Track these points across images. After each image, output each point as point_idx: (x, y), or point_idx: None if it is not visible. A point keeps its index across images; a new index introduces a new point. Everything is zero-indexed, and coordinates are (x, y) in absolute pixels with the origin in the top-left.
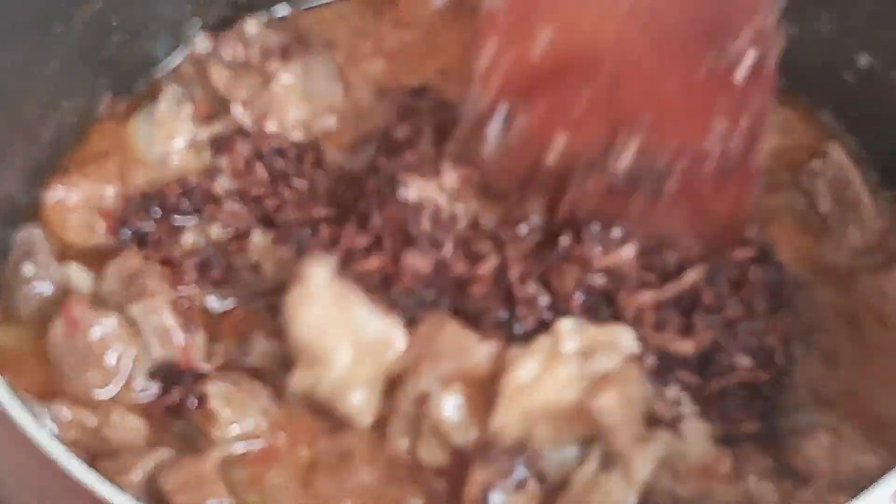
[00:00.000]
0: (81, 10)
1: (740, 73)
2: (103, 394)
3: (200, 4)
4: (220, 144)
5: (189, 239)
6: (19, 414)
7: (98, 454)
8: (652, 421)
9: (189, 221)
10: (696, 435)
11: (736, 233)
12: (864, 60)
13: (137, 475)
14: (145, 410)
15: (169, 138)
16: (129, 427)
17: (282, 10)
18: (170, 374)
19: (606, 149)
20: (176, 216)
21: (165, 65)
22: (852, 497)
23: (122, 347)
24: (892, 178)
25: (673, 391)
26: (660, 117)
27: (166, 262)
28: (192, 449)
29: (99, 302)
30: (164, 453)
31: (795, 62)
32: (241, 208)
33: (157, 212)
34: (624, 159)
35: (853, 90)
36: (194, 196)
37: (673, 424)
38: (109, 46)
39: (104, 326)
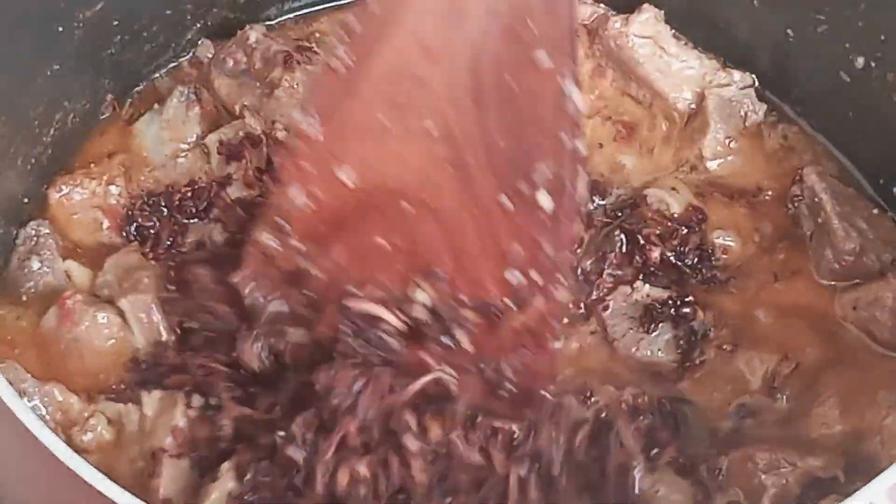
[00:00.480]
0: (82, 11)
1: (539, 217)
2: (89, 385)
3: (201, 6)
4: (230, 151)
5: (190, 240)
6: (23, 412)
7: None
8: None
9: (193, 222)
10: None
11: (534, 396)
12: (859, 62)
13: None
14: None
15: (177, 140)
16: (99, 439)
17: (284, 17)
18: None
19: (402, 294)
20: (181, 216)
21: (168, 67)
22: (848, 494)
23: (111, 342)
24: (888, 181)
25: None
26: (456, 268)
27: (161, 260)
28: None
29: (95, 294)
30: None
31: (792, 67)
32: (246, 216)
33: (164, 210)
34: (417, 308)
35: (849, 92)
36: (202, 198)
37: None
38: (111, 47)
39: (96, 320)
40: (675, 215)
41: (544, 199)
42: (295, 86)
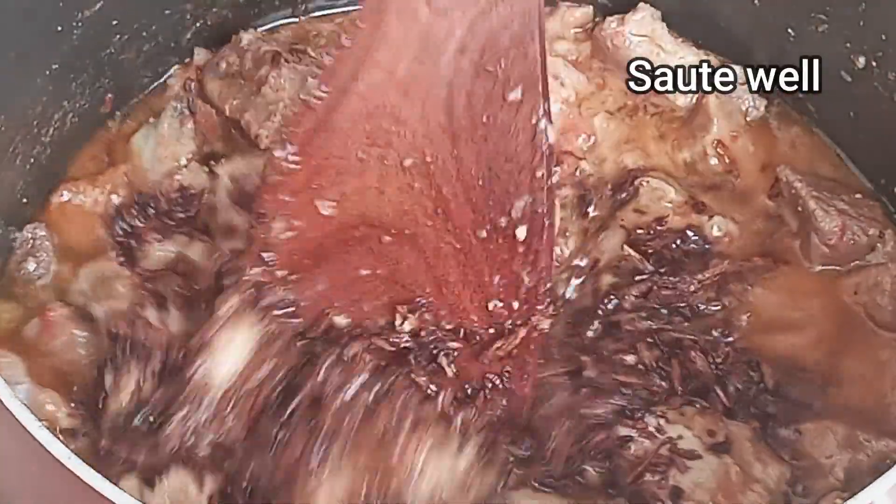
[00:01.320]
0: (82, 11)
1: (518, 251)
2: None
3: (200, 6)
4: (241, 199)
5: (173, 248)
6: (21, 412)
7: None
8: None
9: (181, 232)
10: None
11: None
12: (860, 62)
13: None
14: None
15: (172, 158)
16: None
17: (283, 19)
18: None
19: (386, 322)
20: (168, 221)
21: (167, 67)
22: (849, 495)
23: (87, 358)
24: (889, 180)
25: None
26: (439, 297)
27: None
28: None
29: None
30: None
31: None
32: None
33: (152, 211)
34: (403, 332)
35: (850, 92)
36: (191, 205)
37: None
38: (110, 47)
39: (74, 336)
40: (671, 204)
41: (522, 233)
42: (282, 82)
